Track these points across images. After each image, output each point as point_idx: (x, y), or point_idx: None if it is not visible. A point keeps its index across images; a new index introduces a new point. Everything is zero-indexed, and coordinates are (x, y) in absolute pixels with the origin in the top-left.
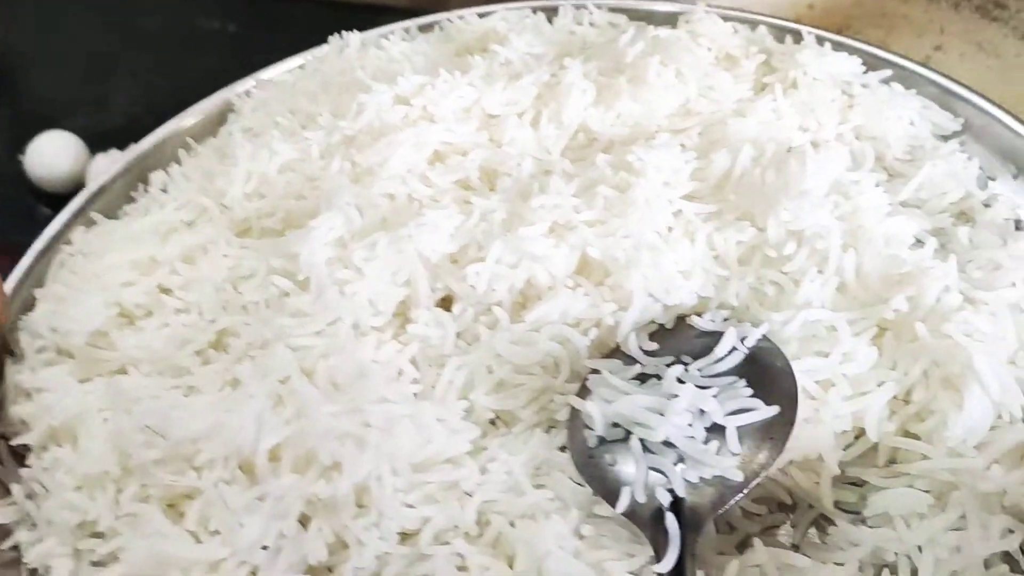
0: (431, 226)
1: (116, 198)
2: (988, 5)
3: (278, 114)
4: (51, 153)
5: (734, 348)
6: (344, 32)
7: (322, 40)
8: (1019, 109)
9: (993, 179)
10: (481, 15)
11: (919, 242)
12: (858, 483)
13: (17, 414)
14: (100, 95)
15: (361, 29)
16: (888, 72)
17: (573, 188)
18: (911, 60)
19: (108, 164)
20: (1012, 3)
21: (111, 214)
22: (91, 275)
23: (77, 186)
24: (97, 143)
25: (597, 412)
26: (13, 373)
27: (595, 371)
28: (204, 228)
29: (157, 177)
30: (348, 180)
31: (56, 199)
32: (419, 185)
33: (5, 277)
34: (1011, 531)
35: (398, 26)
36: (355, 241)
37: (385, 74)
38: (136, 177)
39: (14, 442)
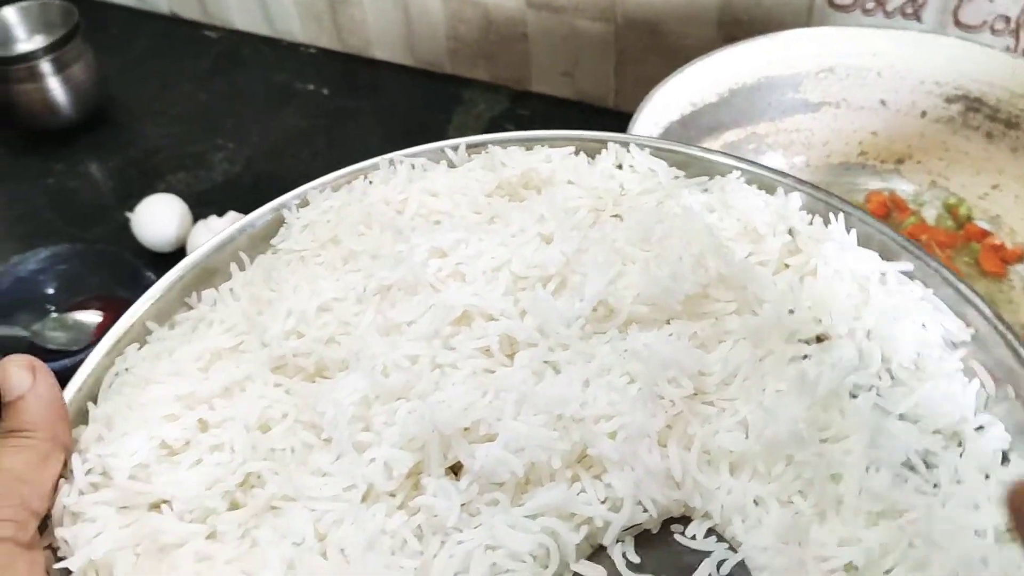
0: (448, 402)
1: (169, 304)
2: None
3: (323, 241)
4: (158, 217)
5: None
6: (394, 156)
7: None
8: None
9: (991, 395)
10: (528, 146)
11: (908, 466)
12: None
13: (62, 535)
14: (202, 151)
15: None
16: (909, 267)
17: (585, 374)
18: (933, 257)
19: (207, 235)
20: None
21: (165, 318)
22: (137, 404)
23: (180, 247)
24: (198, 201)
25: None
26: (63, 493)
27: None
28: (244, 360)
29: (208, 295)
30: (378, 334)
31: (159, 258)
32: (442, 350)
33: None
34: None
35: (449, 144)
36: (378, 403)
37: (427, 212)
38: (191, 282)
39: (57, 566)
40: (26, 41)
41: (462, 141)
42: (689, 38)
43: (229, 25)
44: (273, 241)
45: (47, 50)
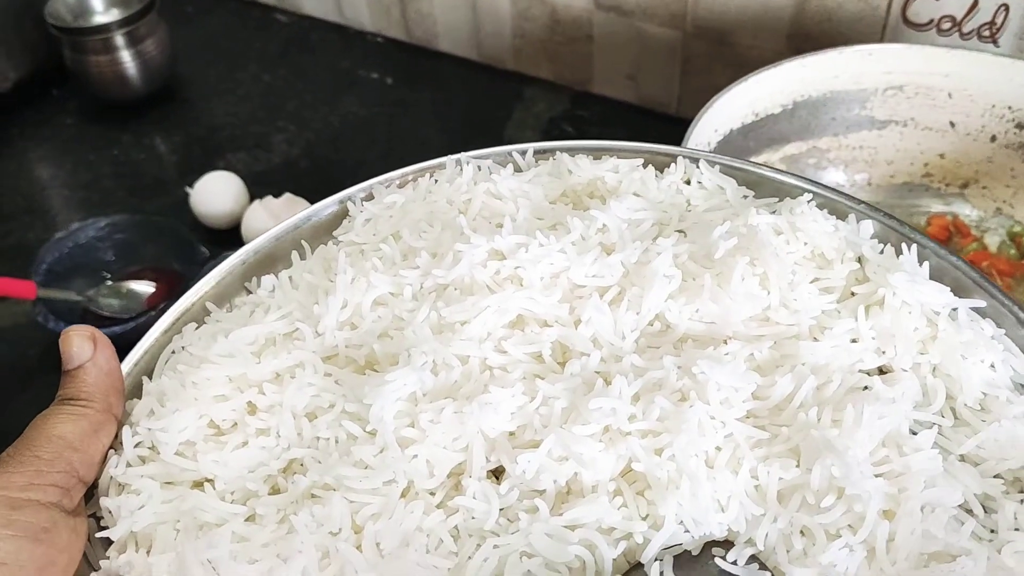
0: (495, 405)
1: (230, 287)
2: None
3: (383, 236)
4: (216, 194)
5: None
6: (461, 156)
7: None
8: None
9: None
10: (596, 156)
11: (965, 509)
12: None
13: (107, 505)
14: (264, 132)
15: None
16: (981, 304)
17: (636, 387)
18: (1011, 299)
19: (262, 212)
20: None
21: (224, 300)
22: (190, 383)
23: (235, 224)
24: (256, 180)
25: None
26: (111, 464)
27: None
28: (297, 347)
29: (267, 280)
30: (431, 331)
31: (214, 233)
32: (493, 353)
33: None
34: None
35: (517, 148)
36: (425, 401)
37: (489, 214)
38: (253, 267)
39: (99, 534)
40: (102, 14)
41: (531, 146)
42: (757, 50)
43: (300, 10)
44: (335, 232)
45: (122, 23)
